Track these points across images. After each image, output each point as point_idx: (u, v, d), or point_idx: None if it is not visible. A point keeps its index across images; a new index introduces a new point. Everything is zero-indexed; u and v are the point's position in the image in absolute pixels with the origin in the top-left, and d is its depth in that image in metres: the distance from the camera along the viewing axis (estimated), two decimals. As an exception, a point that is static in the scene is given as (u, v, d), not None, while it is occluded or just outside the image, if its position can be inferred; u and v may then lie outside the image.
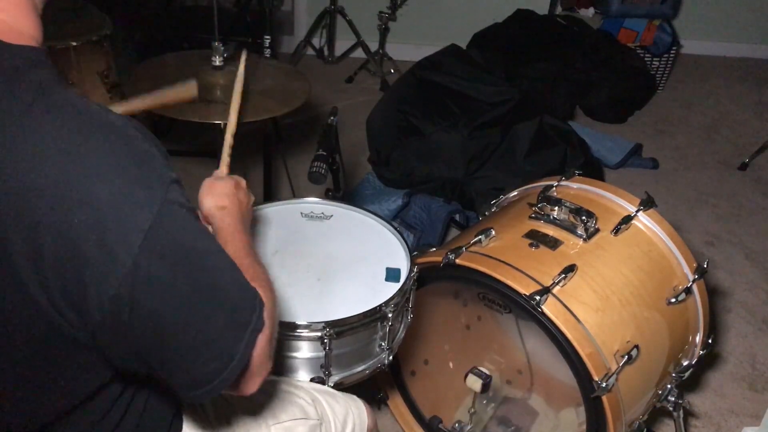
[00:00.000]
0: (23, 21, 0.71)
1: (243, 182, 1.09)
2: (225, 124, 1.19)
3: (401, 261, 1.38)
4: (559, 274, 1.36)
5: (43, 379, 0.73)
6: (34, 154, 0.63)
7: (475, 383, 1.43)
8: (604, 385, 1.26)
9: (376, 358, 1.31)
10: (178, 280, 0.68)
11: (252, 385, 0.79)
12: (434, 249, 1.55)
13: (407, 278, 1.31)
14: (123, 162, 0.66)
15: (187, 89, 1.26)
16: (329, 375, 1.25)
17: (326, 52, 4.03)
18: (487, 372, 1.44)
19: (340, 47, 4.01)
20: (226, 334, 0.72)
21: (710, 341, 1.59)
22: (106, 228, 0.64)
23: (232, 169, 1.76)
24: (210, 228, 0.98)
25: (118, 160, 0.66)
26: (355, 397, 1.25)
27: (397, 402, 1.78)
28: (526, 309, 1.33)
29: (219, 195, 1.01)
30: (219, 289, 0.72)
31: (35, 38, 0.72)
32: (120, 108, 1.24)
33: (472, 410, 1.52)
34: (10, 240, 0.63)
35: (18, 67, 0.67)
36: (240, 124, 1.19)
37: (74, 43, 2.11)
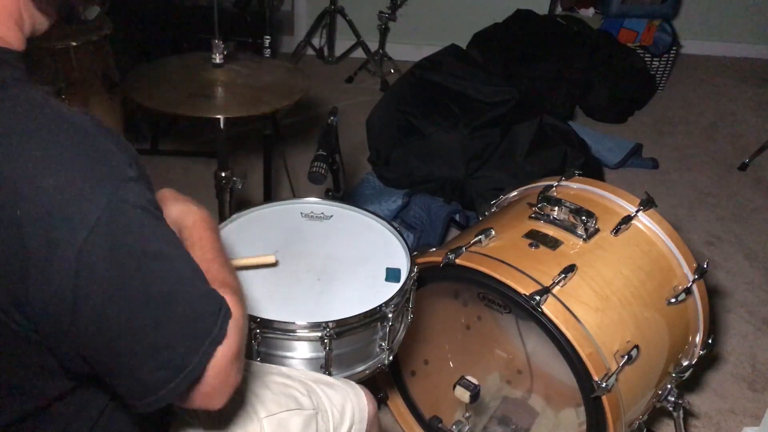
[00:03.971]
0: (5, 29, 0.72)
1: None
2: None
3: (401, 261, 1.38)
4: (559, 274, 1.36)
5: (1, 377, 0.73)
6: None
7: (463, 395, 1.42)
8: (604, 385, 1.26)
9: (376, 359, 1.31)
10: (124, 281, 0.66)
11: (215, 400, 0.76)
12: (434, 249, 1.55)
13: (407, 278, 1.31)
14: (73, 156, 0.65)
15: (266, 259, 1.33)
16: (329, 375, 1.25)
17: (326, 52, 4.03)
18: (475, 382, 1.42)
19: (340, 47, 4.01)
20: (178, 343, 0.70)
21: (710, 341, 1.59)
22: (50, 221, 0.63)
23: (233, 169, 1.77)
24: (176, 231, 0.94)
25: (68, 154, 0.65)
26: (353, 383, 1.22)
27: (397, 402, 1.78)
28: (526, 309, 1.33)
29: (184, 198, 0.98)
30: (173, 295, 0.70)
31: (11, 44, 0.73)
32: None
33: (467, 415, 1.52)
34: None
35: None
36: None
37: (74, 43, 2.11)
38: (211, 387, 0.74)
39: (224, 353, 0.73)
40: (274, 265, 1.32)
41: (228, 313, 0.74)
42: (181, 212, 0.94)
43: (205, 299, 0.73)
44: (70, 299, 0.64)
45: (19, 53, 0.74)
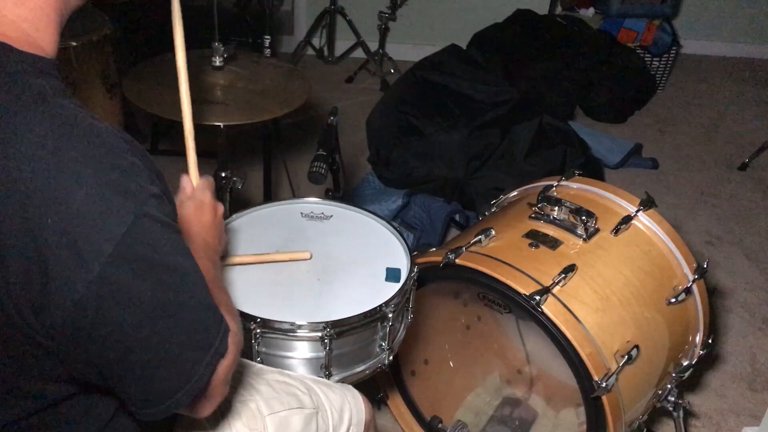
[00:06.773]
0: (43, 34, 0.75)
1: (207, 195, 1.10)
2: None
3: (401, 261, 1.38)
4: (559, 274, 1.36)
5: (3, 375, 0.74)
6: (19, 153, 0.65)
7: None
8: (604, 385, 1.26)
9: (376, 359, 1.31)
10: (145, 293, 0.68)
11: (206, 408, 0.79)
12: (434, 249, 1.55)
13: (407, 278, 1.31)
14: (104, 169, 0.67)
15: (301, 254, 1.37)
16: (329, 375, 1.25)
17: (326, 52, 4.03)
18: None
19: (340, 47, 4.01)
20: (187, 353, 0.72)
21: (710, 341, 1.60)
22: (78, 232, 0.64)
23: (232, 170, 1.77)
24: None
25: (99, 167, 0.67)
26: (350, 386, 1.24)
27: (397, 402, 1.78)
28: (526, 309, 1.33)
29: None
30: (186, 307, 0.72)
31: (47, 51, 0.76)
32: (234, 260, 1.34)
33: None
34: None
35: (24, 72, 0.70)
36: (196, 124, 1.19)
37: (74, 43, 2.11)
38: (210, 397, 0.78)
39: (224, 366, 0.77)
40: (308, 259, 1.37)
41: (227, 328, 0.78)
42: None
43: (210, 313, 0.76)
44: (92, 308, 0.65)
45: (52, 60, 0.76)
